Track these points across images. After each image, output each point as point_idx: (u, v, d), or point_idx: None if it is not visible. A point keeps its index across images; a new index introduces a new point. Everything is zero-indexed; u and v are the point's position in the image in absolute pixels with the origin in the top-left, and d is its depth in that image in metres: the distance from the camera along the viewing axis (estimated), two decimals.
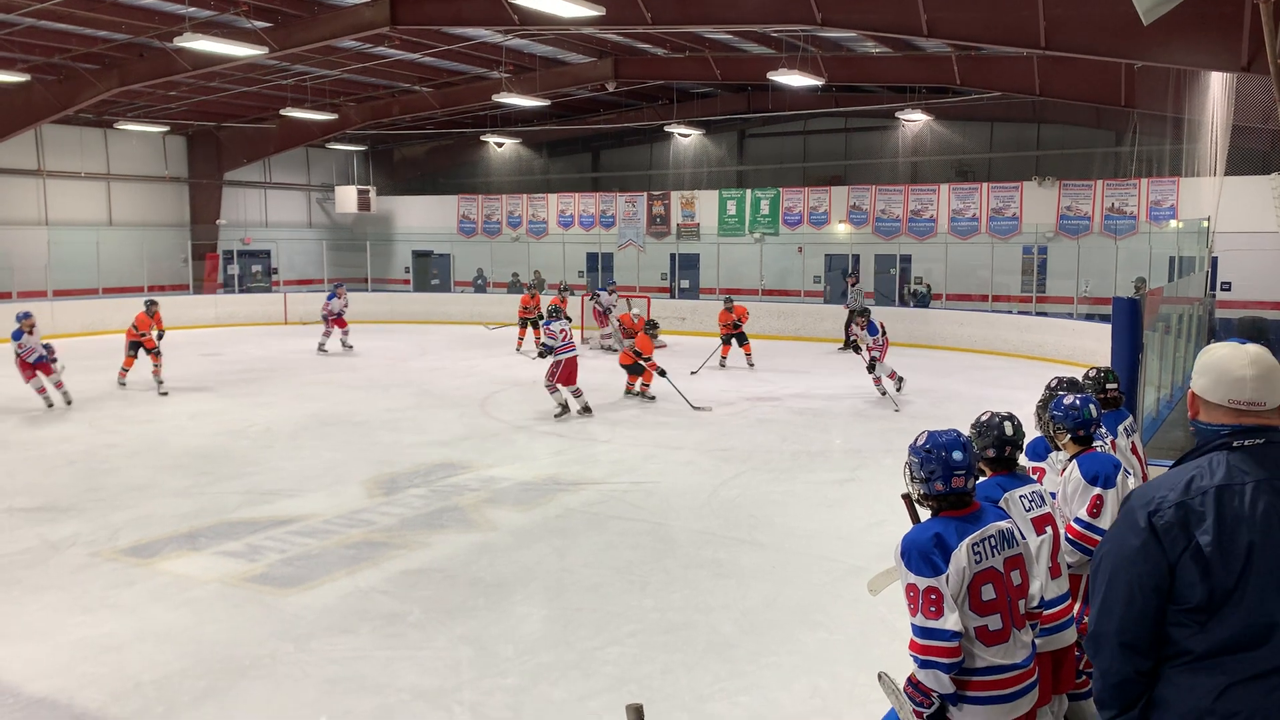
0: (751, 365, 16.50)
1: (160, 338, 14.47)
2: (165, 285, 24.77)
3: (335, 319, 19.34)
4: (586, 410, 12.24)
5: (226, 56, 16.44)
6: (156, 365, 14.17)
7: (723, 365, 16.61)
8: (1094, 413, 4.07)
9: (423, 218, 29.73)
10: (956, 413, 11.80)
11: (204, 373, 15.87)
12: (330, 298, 19.46)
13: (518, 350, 18.77)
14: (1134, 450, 4.91)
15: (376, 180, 30.54)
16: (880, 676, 2.85)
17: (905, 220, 23.37)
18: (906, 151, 24.74)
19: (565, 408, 12.16)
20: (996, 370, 16.42)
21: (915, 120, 23.46)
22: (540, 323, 17.36)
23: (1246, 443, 2.16)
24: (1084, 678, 3.91)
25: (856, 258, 23.44)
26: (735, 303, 17.55)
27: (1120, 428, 4.88)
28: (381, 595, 6.20)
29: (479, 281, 27.88)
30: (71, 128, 23.51)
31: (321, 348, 18.91)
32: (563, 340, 12.03)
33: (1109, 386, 5.03)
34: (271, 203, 29.09)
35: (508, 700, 4.82)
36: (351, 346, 19.18)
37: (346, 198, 28.82)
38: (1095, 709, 3.92)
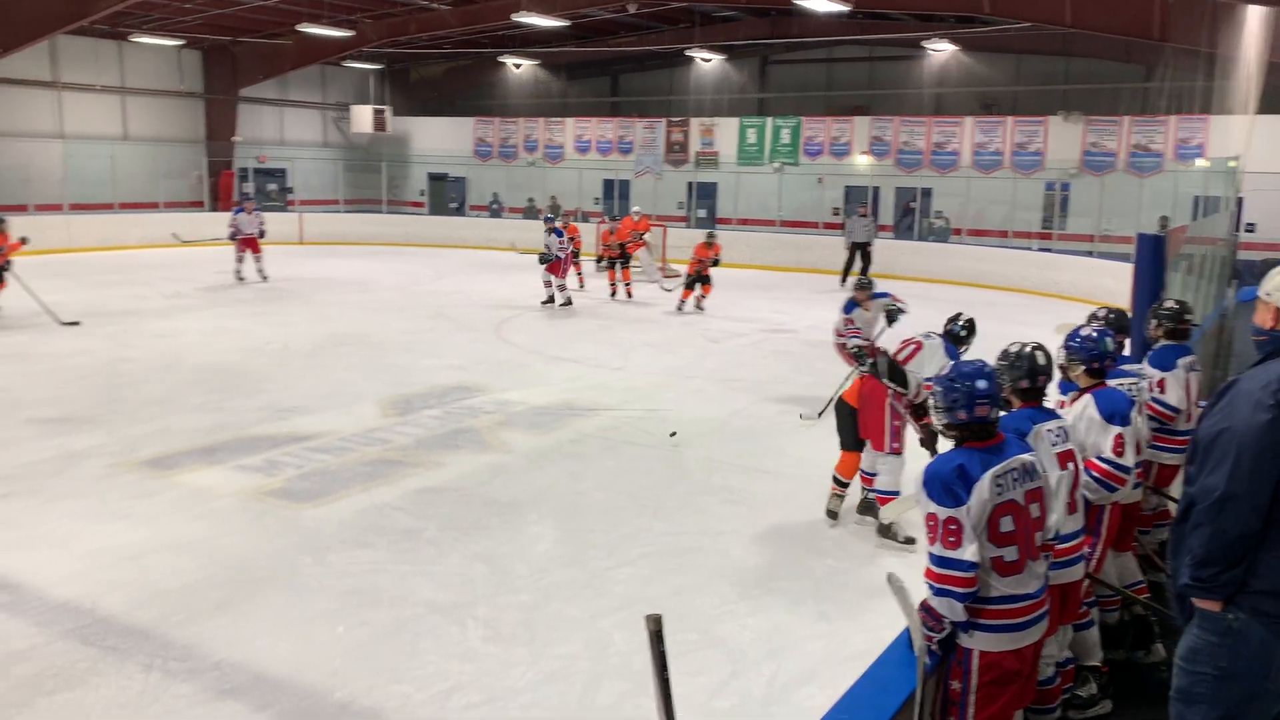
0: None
1: (6, 266, 12.49)
2: (181, 202, 24.73)
3: (245, 240, 16.73)
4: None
5: None
6: None
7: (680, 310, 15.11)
8: (1110, 346, 4.02)
9: (439, 140, 29.46)
10: (973, 348, 11.76)
11: (220, 291, 15.90)
12: (237, 212, 16.87)
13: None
14: (1187, 386, 4.85)
15: (393, 100, 30.20)
16: (889, 577, 2.87)
17: (928, 153, 23.05)
18: (931, 83, 24.31)
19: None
20: (1012, 307, 16.31)
21: (941, 50, 23.01)
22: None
23: None
24: (1085, 609, 3.95)
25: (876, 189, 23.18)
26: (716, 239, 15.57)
27: (1181, 362, 4.83)
28: (397, 512, 6.29)
29: (494, 206, 27.73)
30: (86, 39, 23.21)
31: (239, 275, 16.71)
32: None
33: (1186, 318, 4.98)
34: (287, 121, 28.84)
35: (521, 617, 4.91)
36: (266, 278, 16.77)
37: (362, 117, 28.54)
38: (1095, 638, 4.01)
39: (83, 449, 7.39)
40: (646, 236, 18.77)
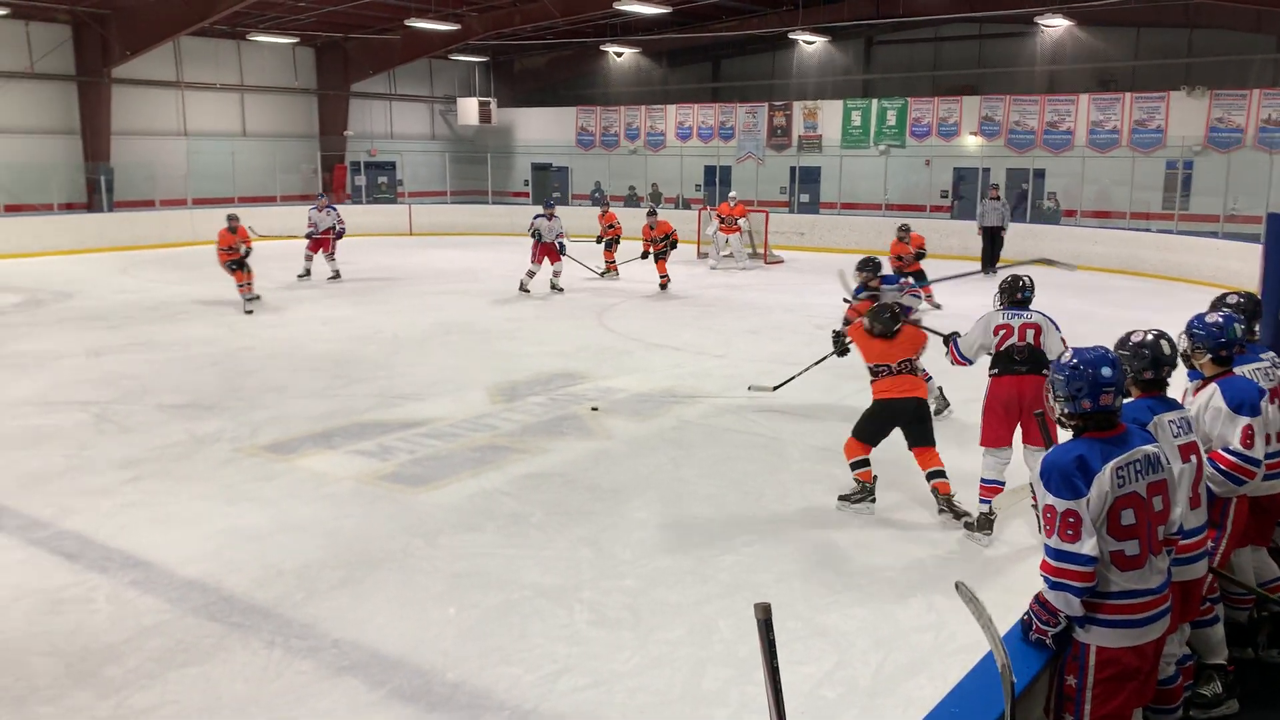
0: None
1: (248, 254, 13.54)
2: (296, 195, 25.55)
3: (318, 238, 16.12)
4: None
5: None
6: (245, 283, 13.53)
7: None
8: (1238, 332, 3.82)
9: (542, 130, 29.76)
10: (1088, 334, 11.34)
11: (333, 282, 16.37)
12: (311, 210, 16.36)
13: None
14: None
15: (497, 92, 30.63)
16: (958, 586, 2.77)
17: (1040, 132, 22.30)
18: (1044, 59, 23.51)
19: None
20: (1132, 291, 15.71)
21: (1055, 26, 22.20)
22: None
23: None
24: (1207, 604, 3.79)
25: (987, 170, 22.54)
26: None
27: None
28: (505, 497, 6.42)
29: (596, 195, 27.88)
30: (206, 40, 24.20)
31: (305, 273, 16.21)
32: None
33: None
34: (396, 114, 29.55)
35: (626, 601, 4.96)
36: (338, 274, 16.21)
37: (468, 109, 29.04)
38: (1220, 635, 3.84)
39: (207, 434, 7.73)
40: (742, 222, 18.70)
